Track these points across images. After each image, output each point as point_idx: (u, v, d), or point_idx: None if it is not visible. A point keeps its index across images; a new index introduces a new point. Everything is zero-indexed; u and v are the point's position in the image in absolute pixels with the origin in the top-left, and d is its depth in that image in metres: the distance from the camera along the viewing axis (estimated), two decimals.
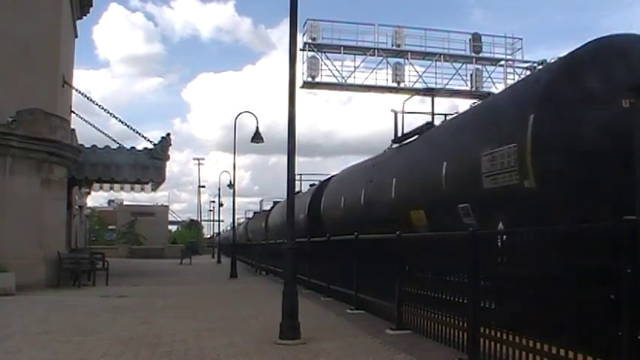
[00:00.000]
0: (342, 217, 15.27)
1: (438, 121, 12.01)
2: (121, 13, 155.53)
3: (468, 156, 8.29)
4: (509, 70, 25.21)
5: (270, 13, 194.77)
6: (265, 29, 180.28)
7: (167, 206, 62.55)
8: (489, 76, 25.36)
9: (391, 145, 13.79)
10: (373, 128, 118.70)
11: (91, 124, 20.35)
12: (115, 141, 19.42)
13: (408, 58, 24.87)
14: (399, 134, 13.05)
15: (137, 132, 19.97)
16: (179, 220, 75.78)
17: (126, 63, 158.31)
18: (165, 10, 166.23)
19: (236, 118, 23.85)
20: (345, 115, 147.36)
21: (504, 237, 5.75)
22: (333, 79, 24.66)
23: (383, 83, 24.94)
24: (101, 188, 24.29)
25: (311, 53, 24.30)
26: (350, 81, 24.75)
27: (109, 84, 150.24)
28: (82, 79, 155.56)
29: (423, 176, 10.19)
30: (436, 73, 24.98)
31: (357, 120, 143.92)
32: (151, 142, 19.37)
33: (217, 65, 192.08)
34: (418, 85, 25.13)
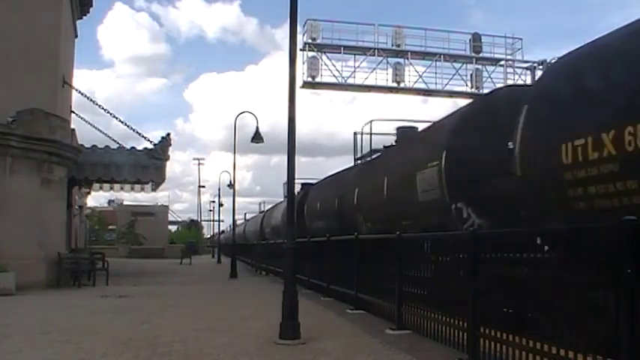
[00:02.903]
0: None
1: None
2: (125, 12, 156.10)
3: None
4: (509, 70, 25.25)
5: (276, 13, 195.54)
6: (271, 29, 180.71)
7: (167, 206, 62.57)
8: (489, 76, 25.38)
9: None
10: (376, 128, 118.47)
11: (91, 125, 20.37)
12: (115, 141, 19.45)
13: (408, 58, 24.89)
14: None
15: (137, 132, 19.99)
16: (179, 220, 75.86)
17: (130, 63, 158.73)
18: (171, 11, 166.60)
19: (236, 118, 23.93)
20: (348, 116, 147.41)
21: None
22: (333, 79, 24.71)
23: (383, 83, 24.99)
24: (101, 188, 24.27)
25: (311, 53, 24.34)
26: (350, 81, 24.78)
27: (113, 84, 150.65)
28: (86, 79, 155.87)
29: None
30: (436, 73, 25.04)
31: (360, 120, 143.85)
32: (151, 142, 19.40)
33: (223, 66, 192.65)
34: (418, 85, 25.20)
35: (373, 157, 15.94)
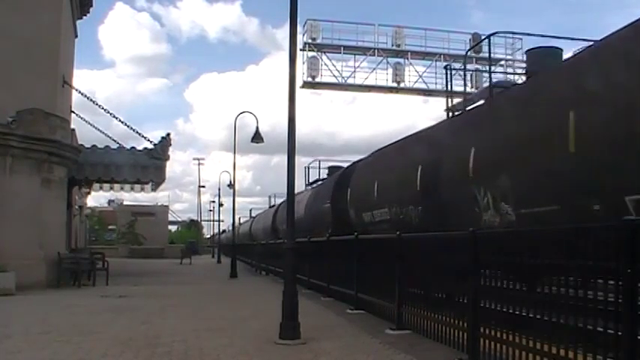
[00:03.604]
0: None
1: None
2: (126, 12, 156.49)
3: None
4: (510, 70, 25.22)
5: (277, 13, 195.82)
6: (272, 29, 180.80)
7: (167, 206, 62.60)
8: (489, 76, 25.34)
9: None
10: (376, 129, 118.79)
11: (91, 125, 20.37)
12: (115, 141, 19.45)
13: (408, 58, 24.90)
14: None
15: (137, 132, 19.97)
16: (179, 220, 75.90)
17: (131, 63, 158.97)
18: (172, 10, 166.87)
19: (236, 118, 23.95)
20: (349, 116, 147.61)
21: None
22: (333, 79, 24.72)
23: (383, 83, 25.00)
24: (101, 188, 24.28)
25: (311, 53, 24.34)
26: (350, 81, 24.79)
27: (113, 84, 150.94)
28: (86, 79, 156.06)
29: None
30: (436, 73, 25.00)
31: (361, 120, 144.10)
32: (151, 142, 19.40)
33: (223, 66, 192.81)
34: (418, 85, 25.21)
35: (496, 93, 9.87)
